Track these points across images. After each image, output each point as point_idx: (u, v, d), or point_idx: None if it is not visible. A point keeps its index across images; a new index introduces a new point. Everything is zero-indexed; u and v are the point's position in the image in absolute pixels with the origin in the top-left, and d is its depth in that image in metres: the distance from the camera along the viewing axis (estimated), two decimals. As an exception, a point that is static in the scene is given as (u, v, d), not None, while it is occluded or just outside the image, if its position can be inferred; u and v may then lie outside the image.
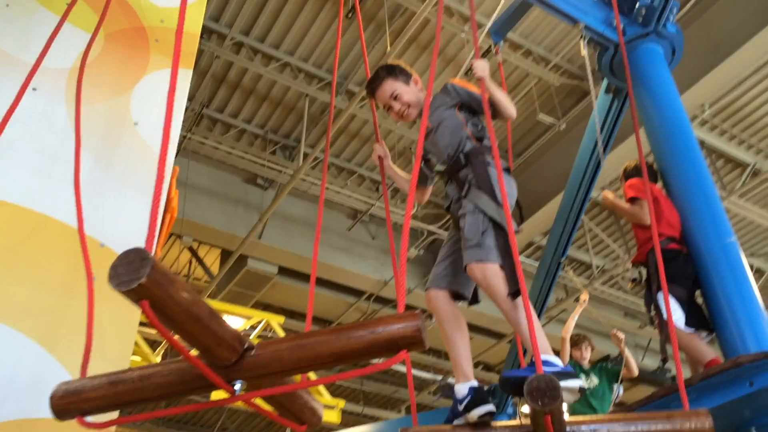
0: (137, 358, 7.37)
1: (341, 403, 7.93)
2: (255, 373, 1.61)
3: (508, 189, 2.32)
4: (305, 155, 7.66)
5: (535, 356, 1.87)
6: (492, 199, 2.32)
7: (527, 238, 9.06)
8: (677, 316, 3.41)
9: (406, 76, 2.72)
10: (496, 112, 2.49)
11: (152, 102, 3.98)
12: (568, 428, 2.12)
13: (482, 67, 2.52)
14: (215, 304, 7.93)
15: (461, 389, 2.21)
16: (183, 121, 7.48)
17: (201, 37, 6.67)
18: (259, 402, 1.79)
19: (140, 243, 3.77)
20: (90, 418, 1.88)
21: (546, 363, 1.92)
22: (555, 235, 5.81)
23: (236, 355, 1.57)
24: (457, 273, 2.45)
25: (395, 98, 2.68)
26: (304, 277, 8.79)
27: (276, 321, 7.83)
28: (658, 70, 4.17)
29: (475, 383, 2.23)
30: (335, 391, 11.86)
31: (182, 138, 7.34)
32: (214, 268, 9.20)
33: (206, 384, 1.61)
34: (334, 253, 8.62)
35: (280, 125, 8.12)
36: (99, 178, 3.55)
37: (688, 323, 3.41)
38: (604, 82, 4.67)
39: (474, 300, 2.50)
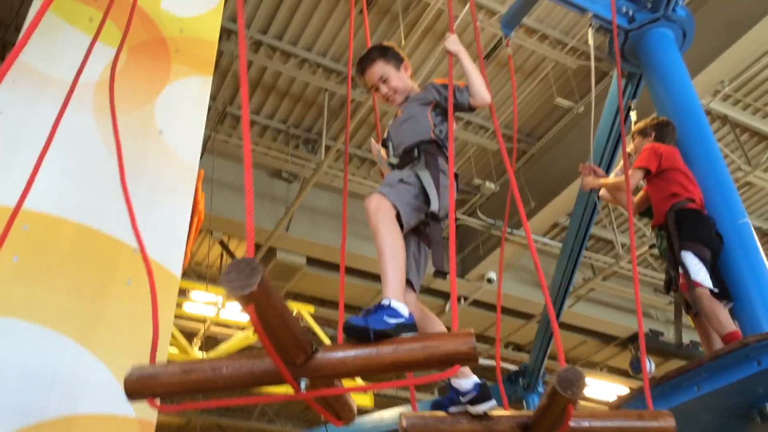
0: (174, 350, 7.64)
1: (373, 388, 8.10)
2: (320, 374, 1.78)
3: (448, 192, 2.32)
4: (327, 148, 7.80)
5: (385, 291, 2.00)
6: (433, 184, 2.28)
7: (551, 219, 9.11)
8: (702, 276, 3.37)
9: (397, 61, 2.70)
10: (470, 94, 2.45)
11: (176, 110, 4.15)
12: None
13: (453, 39, 2.53)
14: (247, 296, 8.14)
15: (465, 384, 2.24)
16: (207, 120, 7.68)
17: (220, 39, 6.82)
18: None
19: (170, 247, 3.93)
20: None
21: (391, 312, 1.91)
22: (577, 216, 5.91)
23: (306, 356, 1.75)
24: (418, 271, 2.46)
25: (384, 81, 2.66)
26: (332, 267, 8.97)
27: (306, 310, 8.03)
28: (668, 55, 4.21)
29: (478, 380, 2.25)
30: (368, 376, 12.08)
31: (207, 137, 7.54)
32: (245, 261, 9.41)
33: (274, 379, 1.77)
34: (360, 242, 8.76)
35: (302, 120, 8.27)
36: (128, 186, 3.73)
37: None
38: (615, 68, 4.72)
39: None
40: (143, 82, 4.14)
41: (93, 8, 4.23)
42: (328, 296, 9.78)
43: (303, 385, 1.77)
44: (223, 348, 8.06)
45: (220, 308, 8.66)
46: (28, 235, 3.35)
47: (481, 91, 2.44)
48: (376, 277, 10.13)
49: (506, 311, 10.65)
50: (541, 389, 8.65)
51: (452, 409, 2.27)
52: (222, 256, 9.82)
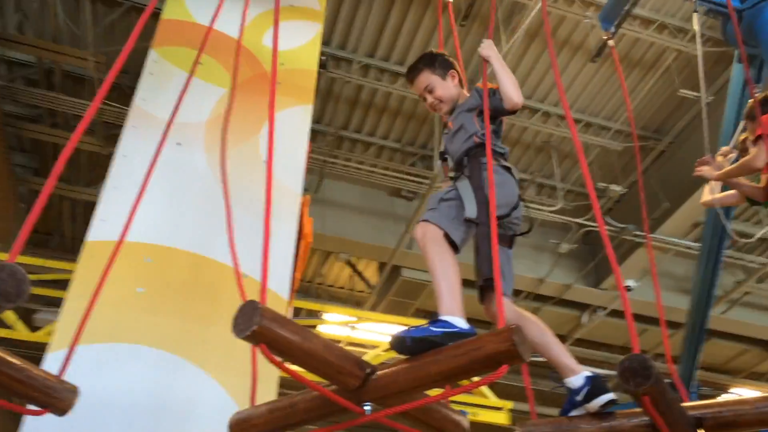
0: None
1: (508, 404, 7.93)
2: (378, 395, 1.80)
3: (506, 189, 2.31)
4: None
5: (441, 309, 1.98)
6: (473, 189, 2.27)
7: (690, 219, 8.49)
8: None
9: (443, 70, 2.68)
10: (500, 98, 2.42)
11: (279, 139, 4.33)
12: (693, 413, 2.01)
13: (487, 45, 2.51)
14: (375, 315, 8.30)
15: (575, 381, 2.14)
16: (324, 146, 7.97)
17: (327, 66, 7.09)
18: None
19: (278, 271, 4.08)
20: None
21: (441, 323, 1.91)
22: (712, 213, 5.53)
23: (359, 380, 1.78)
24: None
25: (429, 91, 2.66)
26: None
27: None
28: (789, 31, 3.82)
29: (588, 372, 2.15)
30: (503, 391, 11.79)
31: (323, 162, 7.81)
32: (375, 280, 9.61)
33: (343, 408, 1.81)
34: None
35: (416, 137, 8.35)
36: (237, 215, 3.94)
37: None
38: (736, 52, 4.36)
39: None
40: (249, 117, 4.37)
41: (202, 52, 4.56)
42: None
43: (368, 408, 1.79)
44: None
45: (353, 328, 8.87)
46: (150, 266, 3.62)
47: (510, 93, 2.40)
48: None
49: (649, 321, 10.02)
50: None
51: (573, 413, 2.16)
52: (351, 276, 10.09)
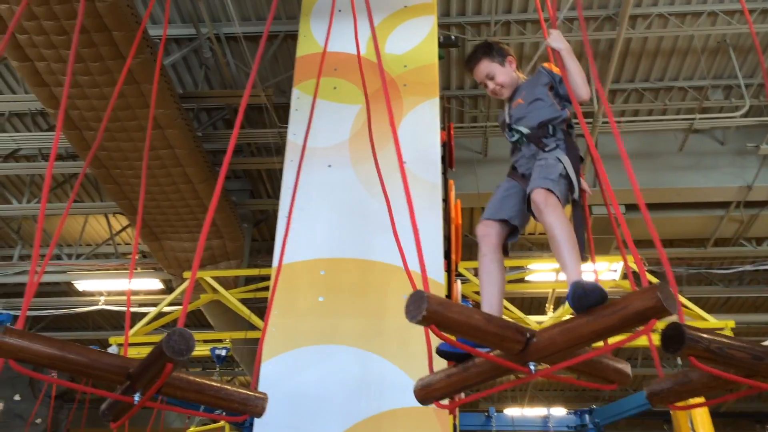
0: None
1: (730, 323, 7.60)
2: (539, 356, 2.00)
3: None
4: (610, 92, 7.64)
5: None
6: (573, 167, 2.42)
7: None
8: None
9: (501, 57, 2.85)
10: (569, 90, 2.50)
11: (413, 138, 4.78)
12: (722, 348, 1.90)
13: (556, 35, 2.59)
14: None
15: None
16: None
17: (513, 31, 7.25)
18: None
19: (430, 258, 4.57)
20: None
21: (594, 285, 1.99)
22: None
23: (521, 344, 2.00)
24: (511, 206, 2.61)
25: (490, 78, 2.84)
26: (652, 207, 8.65)
27: (630, 260, 7.86)
28: None
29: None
30: (733, 305, 11.08)
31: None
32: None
33: (510, 368, 2.06)
34: (678, 174, 8.32)
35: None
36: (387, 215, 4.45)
37: None
38: None
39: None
40: (384, 123, 4.83)
41: (334, 77, 5.10)
42: (661, 234, 9.40)
43: (533, 367, 1.99)
44: (561, 310, 8.44)
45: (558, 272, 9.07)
46: (326, 277, 4.29)
47: (579, 89, 2.51)
48: (711, 204, 9.20)
49: None
50: None
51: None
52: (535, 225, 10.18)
